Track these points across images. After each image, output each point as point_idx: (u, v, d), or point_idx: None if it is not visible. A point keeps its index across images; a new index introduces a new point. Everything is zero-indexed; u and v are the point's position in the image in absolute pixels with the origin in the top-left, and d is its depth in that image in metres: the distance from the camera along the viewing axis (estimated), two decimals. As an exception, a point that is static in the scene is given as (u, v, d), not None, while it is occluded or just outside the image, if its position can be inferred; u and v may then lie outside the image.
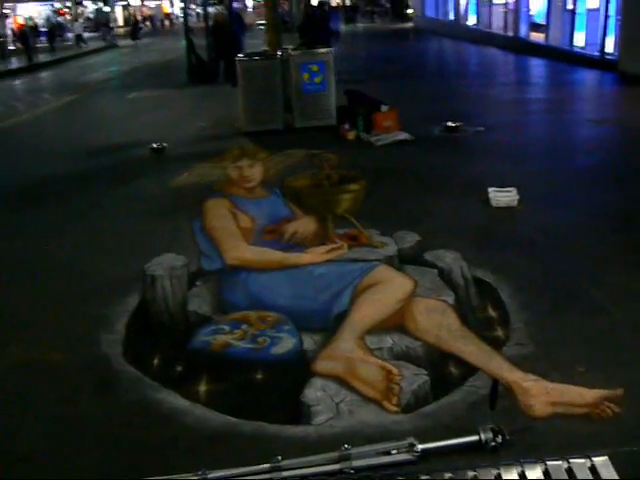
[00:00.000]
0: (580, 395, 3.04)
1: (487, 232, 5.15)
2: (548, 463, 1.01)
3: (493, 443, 2.82)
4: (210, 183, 7.18)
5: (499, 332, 3.69)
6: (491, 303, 4.03)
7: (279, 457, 2.72)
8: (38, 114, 13.45)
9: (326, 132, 9.12)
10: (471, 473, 1.05)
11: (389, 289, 4.27)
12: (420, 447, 2.85)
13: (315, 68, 9.26)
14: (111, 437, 3.11)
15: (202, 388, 3.43)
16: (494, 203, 5.64)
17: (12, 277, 5.00)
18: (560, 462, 1.01)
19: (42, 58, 25.10)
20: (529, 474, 1.01)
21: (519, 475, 1.01)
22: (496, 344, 3.55)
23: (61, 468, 2.91)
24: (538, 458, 1.08)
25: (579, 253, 4.68)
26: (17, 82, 20.04)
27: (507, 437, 2.82)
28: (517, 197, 5.66)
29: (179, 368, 3.65)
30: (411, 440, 2.82)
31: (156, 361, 3.73)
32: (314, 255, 4.98)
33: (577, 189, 6.13)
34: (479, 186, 5.92)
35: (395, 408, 3.11)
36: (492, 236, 5.07)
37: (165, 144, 8.91)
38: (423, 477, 1.05)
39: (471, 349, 3.49)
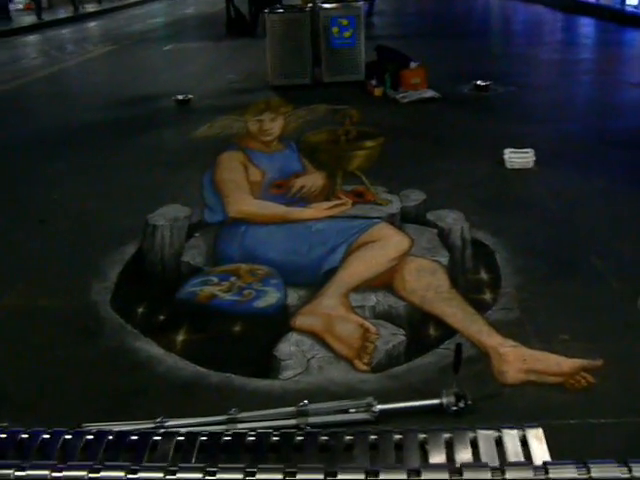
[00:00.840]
0: (557, 364, 2.94)
1: (496, 194, 4.98)
2: (478, 432, 0.95)
3: (455, 408, 2.75)
4: (229, 135, 7.17)
5: (487, 295, 3.58)
6: (485, 266, 3.91)
7: (235, 409, 2.69)
8: (77, 63, 13.52)
9: (354, 87, 8.95)
10: (397, 436, 0.99)
11: (384, 247, 4.20)
12: (378, 407, 2.79)
13: (345, 22, 9.03)
14: (86, 382, 3.13)
15: (180, 338, 3.43)
16: (509, 165, 5.45)
17: (18, 225, 5.06)
18: (491, 431, 0.95)
19: (89, 8, 25.16)
20: (456, 441, 0.95)
21: (446, 442, 0.95)
22: (482, 307, 3.45)
23: (38, 409, 2.95)
24: (470, 426, 1.02)
25: (588, 220, 4.50)
26: (62, 32, 20.16)
27: (469, 402, 2.74)
28: (533, 159, 5.45)
29: (162, 317, 3.65)
30: (370, 400, 2.75)
31: (141, 309, 3.73)
32: (316, 210, 4.93)
33: (601, 153, 5.87)
34: (498, 147, 5.72)
35: (365, 367, 3.05)
36: (500, 198, 4.90)
37: (191, 96, 8.87)
38: (372, 436, 1.00)
39: (454, 311, 3.40)
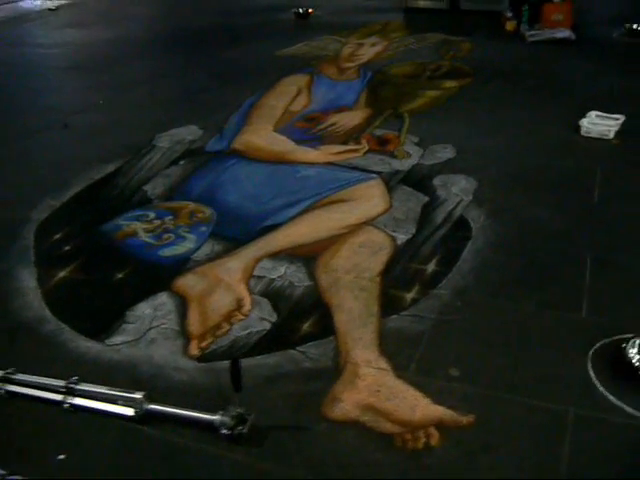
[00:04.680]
0: (411, 409, 2.22)
1: (541, 167, 3.97)
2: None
3: (226, 431, 2.19)
4: (317, 57, 6.59)
5: (412, 294, 2.82)
6: (443, 257, 3.10)
7: (14, 369, 2.35)
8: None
9: (490, 18, 7.81)
10: None
11: (350, 210, 3.57)
12: (147, 407, 2.31)
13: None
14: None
15: (61, 274, 3.11)
16: (584, 130, 4.36)
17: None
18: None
19: None
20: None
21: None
22: (394, 309, 2.73)
23: None
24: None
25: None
26: None
27: (245, 430, 2.14)
28: (616, 129, 4.31)
29: (67, 247, 3.35)
30: (140, 396, 2.29)
31: (58, 236, 3.45)
32: (320, 154, 4.34)
33: None
34: (596, 108, 4.59)
35: (195, 352, 2.53)
36: (540, 172, 3.89)
37: (311, 10, 8.30)
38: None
39: (350, 307, 2.74)
